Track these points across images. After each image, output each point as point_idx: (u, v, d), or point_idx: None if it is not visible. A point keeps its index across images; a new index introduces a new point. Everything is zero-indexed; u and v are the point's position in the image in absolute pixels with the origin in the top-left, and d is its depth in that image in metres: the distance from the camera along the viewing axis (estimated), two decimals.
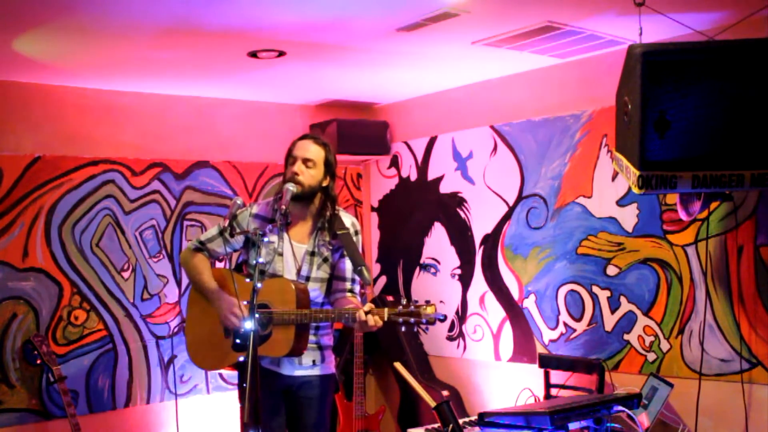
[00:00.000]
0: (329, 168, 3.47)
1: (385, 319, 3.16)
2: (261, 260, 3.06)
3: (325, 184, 3.47)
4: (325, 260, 3.48)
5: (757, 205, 3.71)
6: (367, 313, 3.15)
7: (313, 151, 3.43)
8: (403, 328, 3.15)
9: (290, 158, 3.45)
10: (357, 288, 3.53)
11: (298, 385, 3.47)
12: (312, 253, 3.47)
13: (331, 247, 3.48)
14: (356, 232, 3.51)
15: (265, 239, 3.33)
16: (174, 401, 4.81)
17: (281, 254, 3.43)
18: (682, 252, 3.99)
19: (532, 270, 4.67)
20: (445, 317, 3.28)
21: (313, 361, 3.47)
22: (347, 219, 3.51)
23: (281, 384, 3.45)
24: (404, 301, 3.16)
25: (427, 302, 3.16)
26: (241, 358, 3.29)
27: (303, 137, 3.51)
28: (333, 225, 3.45)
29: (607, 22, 3.71)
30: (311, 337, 3.44)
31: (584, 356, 4.35)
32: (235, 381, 4.89)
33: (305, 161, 3.41)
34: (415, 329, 3.13)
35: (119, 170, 4.70)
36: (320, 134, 5.24)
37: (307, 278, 3.45)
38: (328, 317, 3.29)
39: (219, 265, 4.48)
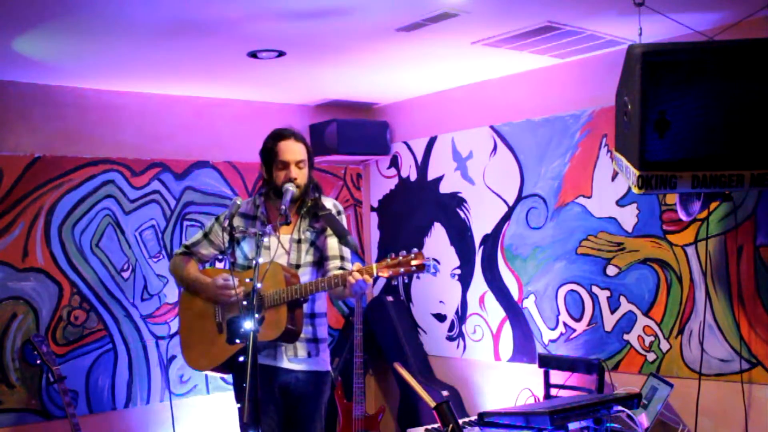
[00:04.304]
0: (312, 159, 3.56)
1: (374, 274, 3.14)
2: (260, 261, 3.09)
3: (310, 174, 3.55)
4: (312, 244, 3.51)
5: (757, 205, 3.71)
6: (357, 272, 3.14)
7: (301, 151, 3.48)
8: (394, 282, 3.13)
9: (279, 163, 3.45)
10: (348, 266, 3.49)
11: (294, 382, 3.47)
12: (298, 241, 3.49)
13: (315, 230, 3.51)
14: (339, 212, 3.54)
15: (264, 239, 3.36)
16: (174, 401, 4.80)
17: (268, 248, 3.44)
18: (681, 252, 3.99)
19: (532, 270, 4.67)
20: (436, 273, 3.21)
21: (309, 353, 3.47)
22: (328, 201, 3.55)
23: (277, 381, 3.45)
24: (392, 255, 3.14)
25: (415, 250, 3.12)
26: (241, 359, 3.29)
27: (283, 138, 3.49)
28: (313, 208, 3.49)
29: (607, 22, 3.71)
30: (307, 327, 3.45)
31: (584, 356, 4.35)
32: None
33: (298, 164, 3.45)
34: (406, 280, 3.10)
35: (119, 170, 4.70)
36: (313, 132, 5.27)
37: (298, 266, 3.47)
38: (318, 287, 3.27)
39: (219, 265, 4.48)
